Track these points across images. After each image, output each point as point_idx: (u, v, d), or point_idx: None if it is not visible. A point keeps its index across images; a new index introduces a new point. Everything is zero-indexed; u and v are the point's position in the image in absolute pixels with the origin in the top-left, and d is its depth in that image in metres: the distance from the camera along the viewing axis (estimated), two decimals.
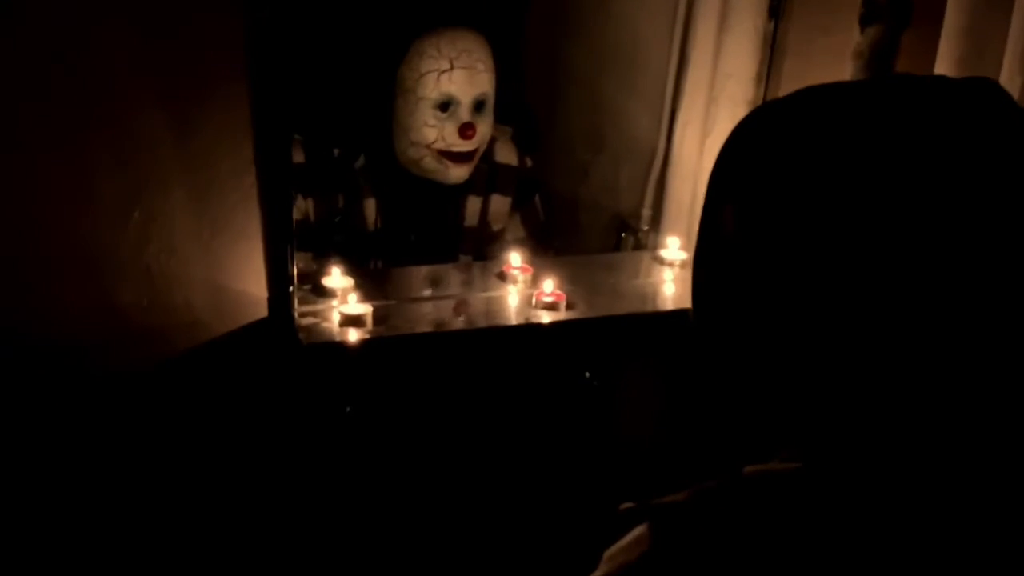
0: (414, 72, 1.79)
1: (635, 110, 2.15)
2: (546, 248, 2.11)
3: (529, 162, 2.07)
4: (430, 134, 1.80)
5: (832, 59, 1.57)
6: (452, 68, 1.78)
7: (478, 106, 1.83)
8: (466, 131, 1.79)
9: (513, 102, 2.41)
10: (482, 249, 2.03)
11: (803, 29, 1.61)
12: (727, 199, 0.69)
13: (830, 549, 0.62)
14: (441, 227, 1.99)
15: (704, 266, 0.72)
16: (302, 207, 1.92)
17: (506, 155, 2.03)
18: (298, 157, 1.89)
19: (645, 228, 2.06)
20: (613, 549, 0.68)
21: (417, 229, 1.97)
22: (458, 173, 1.85)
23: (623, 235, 2.11)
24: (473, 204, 2.02)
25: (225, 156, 1.34)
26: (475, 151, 1.86)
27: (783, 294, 0.65)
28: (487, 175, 2.01)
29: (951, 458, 0.64)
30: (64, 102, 1.26)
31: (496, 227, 2.05)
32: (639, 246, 2.07)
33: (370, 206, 1.93)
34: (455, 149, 1.81)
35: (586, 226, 2.30)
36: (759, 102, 1.75)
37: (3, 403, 1.35)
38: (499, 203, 2.05)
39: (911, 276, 0.61)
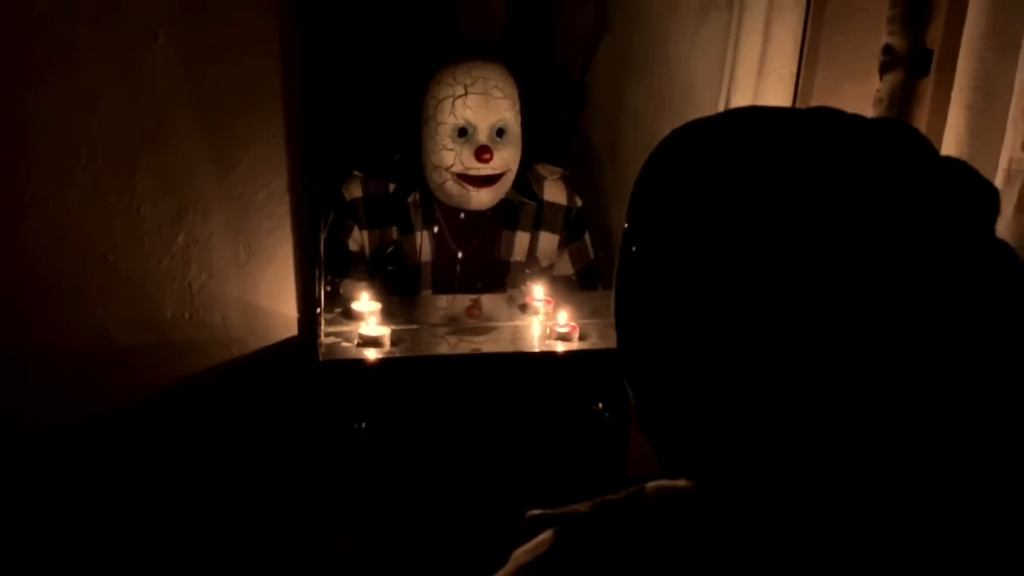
0: (433, 99, 1.91)
1: None
2: (594, 285, 2.16)
3: (579, 202, 2.13)
4: (448, 157, 1.89)
5: (860, 106, 1.58)
6: (467, 94, 1.89)
7: (498, 132, 1.91)
8: (482, 154, 1.87)
9: (569, 139, 2.51)
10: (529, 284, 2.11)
11: (833, 76, 1.63)
12: (641, 220, 0.74)
13: (721, 567, 0.66)
14: (488, 260, 2.08)
15: (621, 286, 0.76)
16: (358, 239, 2.04)
17: (555, 194, 2.11)
18: (357, 192, 2.03)
19: None
20: (519, 550, 0.73)
21: (464, 261, 2.06)
22: (480, 198, 1.93)
23: None
24: (522, 240, 2.10)
25: (261, 187, 1.47)
26: (497, 176, 1.92)
27: (686, 312, 0.69)
28: (535, 213, 2.09)
29: (846, 473, 0.66)
30: (121, 121, 1.40)
31: (544, 263, 2.12)
32: None
33: (422, 238, 2.03)
34: (472, 172, 1.89)
35: None
36: None
37: (62, 400, 1.51)
38: (547, 240, 2.12)
39: (800, 301, 0.64)
